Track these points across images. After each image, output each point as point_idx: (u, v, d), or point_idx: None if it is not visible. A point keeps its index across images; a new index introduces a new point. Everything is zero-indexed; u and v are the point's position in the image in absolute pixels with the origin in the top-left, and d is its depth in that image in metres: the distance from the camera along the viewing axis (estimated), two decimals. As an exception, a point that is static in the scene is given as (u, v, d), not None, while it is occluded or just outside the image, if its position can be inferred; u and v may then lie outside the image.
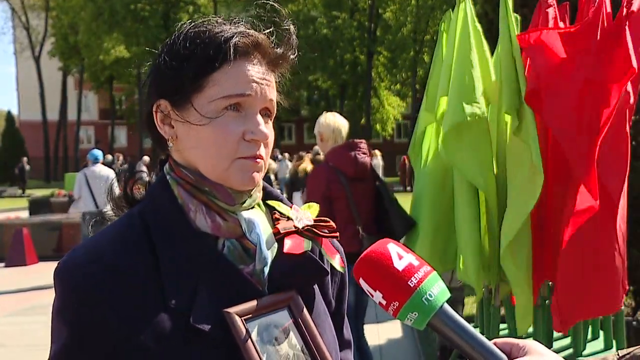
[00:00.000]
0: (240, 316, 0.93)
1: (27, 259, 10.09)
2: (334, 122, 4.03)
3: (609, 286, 2.86)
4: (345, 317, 1.18)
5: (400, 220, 3.69)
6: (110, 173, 8.59)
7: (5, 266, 10.10)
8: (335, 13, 34.62)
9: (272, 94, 1.01)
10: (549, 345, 3.25)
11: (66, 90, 40.27)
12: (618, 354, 0.79)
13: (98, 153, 8.55)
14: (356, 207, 3.83)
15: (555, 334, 3.34)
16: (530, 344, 0.81)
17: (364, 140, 4.01)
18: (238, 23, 1.01)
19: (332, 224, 1.06)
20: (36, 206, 15.50)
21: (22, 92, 44.44)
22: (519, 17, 3.52)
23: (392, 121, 38.90)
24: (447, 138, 3.06)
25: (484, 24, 3.29)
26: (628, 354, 0.78)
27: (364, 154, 3.92)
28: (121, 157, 21.67)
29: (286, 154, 18.89)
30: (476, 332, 0.82)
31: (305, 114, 42.40)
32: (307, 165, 9.90)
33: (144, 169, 3.61)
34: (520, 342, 0.82)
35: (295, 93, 36.82)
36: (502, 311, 3.64)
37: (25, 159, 29.99)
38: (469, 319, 5.01)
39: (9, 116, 38.03)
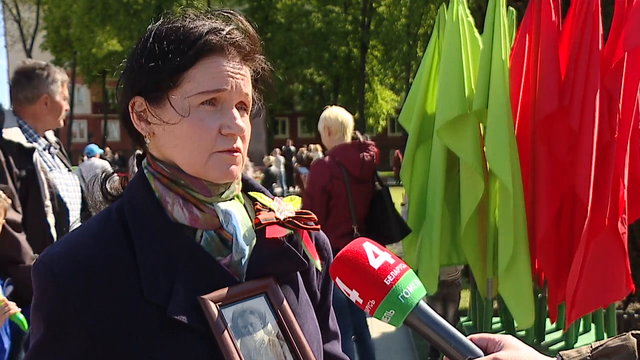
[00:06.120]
0: (214, 302, 0.93)
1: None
2: (341, 116, 4.01)
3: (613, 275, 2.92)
4: (332, 309, 1.18)
5: (398, 226, 3.76)
6: (105, 164, 8.44)
7: (-2, 260, 10.04)
8: (329, 7, 34.46)
9: (248, 88, 1.01)
10: (540, 338, 3.27)
11: (58, 84, 40.01)
12: (591, 346, 0.79)
13: (92, 147, 8.45)
14: (354, 207, 3.84)
15: (547, 327, 3.36)
16: (506, 338, 0.82)
17: (373, 142, 4.01)
18: (212, 18, 1.01)
19: (314, 216, 1.06)
20: (28, 200, 15.39)
21: (13, 85, 44.11)
22: (514, 11, 3.52)
23: (385, 115, 38.84)
24: (442, 132, 3.14)
25: (478, 18, 3.28)
26: (601, 345, 0.79)
27: (371, 155, 3.92)
28: (109, 152, 21.35)
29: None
30: (452, 328, 0.83)
31: (299, 108, 42.34)
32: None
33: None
34: (497, 337, 0.83)
35: (289, 87, 36.75)
36: (495, 304, 3.65)
37: None
38: (462, 312, 5.03)
39: None
